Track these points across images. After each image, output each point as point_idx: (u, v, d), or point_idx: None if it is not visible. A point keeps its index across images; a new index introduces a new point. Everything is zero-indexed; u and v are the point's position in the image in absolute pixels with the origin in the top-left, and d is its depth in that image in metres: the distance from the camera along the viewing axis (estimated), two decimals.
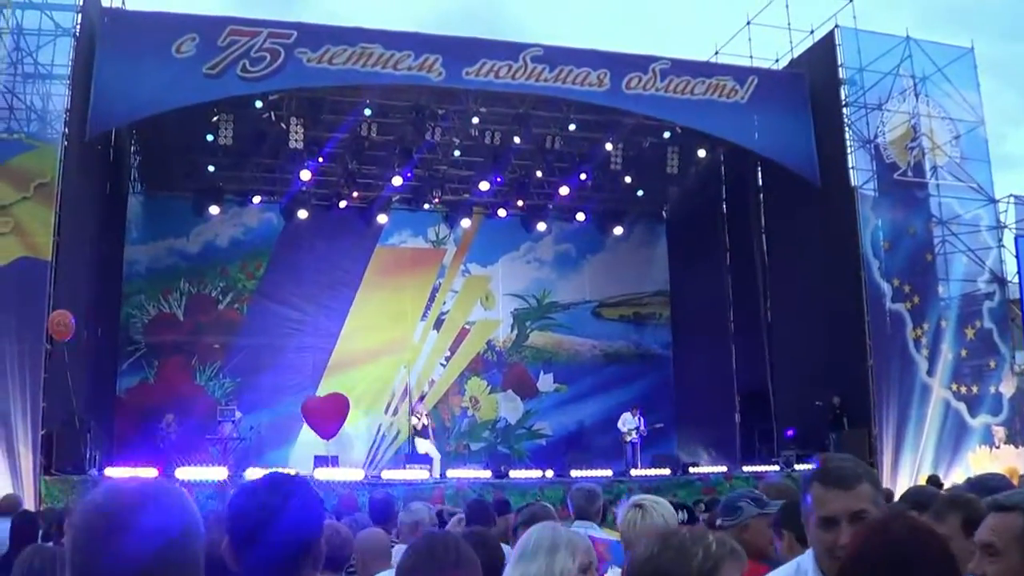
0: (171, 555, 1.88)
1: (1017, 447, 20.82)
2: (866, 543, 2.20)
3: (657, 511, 4.42)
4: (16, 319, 15.91)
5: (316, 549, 2.77)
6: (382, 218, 26.13)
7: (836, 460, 3.26)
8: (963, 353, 21.31)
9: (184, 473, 16.99)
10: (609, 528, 7.34)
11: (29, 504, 14.11)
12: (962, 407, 21.03)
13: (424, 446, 21.55)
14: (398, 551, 5.74)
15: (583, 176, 25.17)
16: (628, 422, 22.60)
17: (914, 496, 5.93)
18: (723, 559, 2.74)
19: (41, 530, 8.62)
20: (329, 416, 21.45)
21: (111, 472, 17.14)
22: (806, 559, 3.29)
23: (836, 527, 3.06)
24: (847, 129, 21.61)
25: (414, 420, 21.84)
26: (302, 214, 25.02)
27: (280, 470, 2.95)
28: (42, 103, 17.54)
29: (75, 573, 1.89)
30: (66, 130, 17.27)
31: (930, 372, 20.90)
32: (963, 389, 21.14)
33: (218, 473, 17.44)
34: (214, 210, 24.82)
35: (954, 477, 18.22)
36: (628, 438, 22.44)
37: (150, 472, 17.03)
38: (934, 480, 15.08)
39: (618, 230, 27.98)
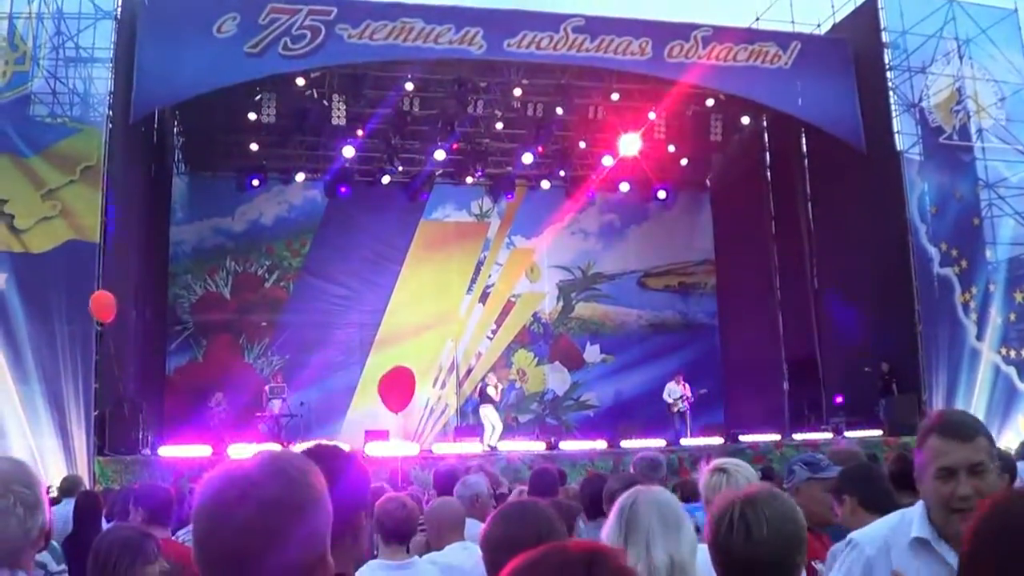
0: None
1: None
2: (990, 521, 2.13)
3: (741, 474, 4.38)
4: (67, 301, 16.01)
5: (357, 521, 2.76)
6: (425, 193, 26.16)
7: (954, 413, 3.28)
8: (1012, 317, 21.08)
9: (236, 450, 17.07)
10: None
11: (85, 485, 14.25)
12: (1012, 371, 20.83)
13: (491, 415, 21.29)
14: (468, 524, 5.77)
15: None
16: (673, 391, 22.49)
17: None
18: None
19: (104, 510, 8.70)
20: (397, 389, 21.46)
21: (164, 452, 17.29)
22: (913, 511, 3.27)
23: (954, 478, 3.05)
24: (891, 93, 21.38)
25: (491, 390, 21.64)
26: (346, 190, 25.07)
27: (323, 442, 2.92)
28: (85, 87, 17.60)
29: (199, 540, 1.90)
30: (110, 113, 17.38)
31: (979, 336, 20.71)
32: (1012, 353, 20.93)
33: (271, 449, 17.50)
34: (260, 187, 24.89)
35: (1006, 441, 18.08)
36: (675, 407, 22.33)
37: (205, 450, 17.26)
38: None
39: (663, 199, 27.83)
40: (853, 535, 3.35)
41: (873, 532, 3.32)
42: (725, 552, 2.82)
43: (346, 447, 2.94)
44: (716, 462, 4.55)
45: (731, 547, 2.79)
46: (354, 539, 2.75)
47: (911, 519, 3.21)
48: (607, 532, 3.57)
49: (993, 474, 3.08)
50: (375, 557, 5.46)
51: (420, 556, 5.66)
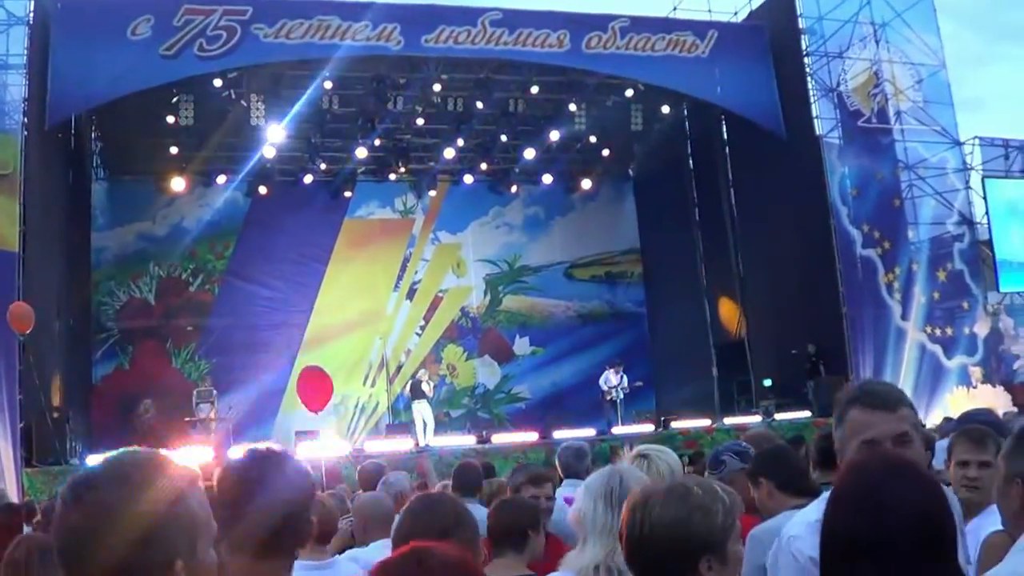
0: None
1: (994, 386, 20.95)
2: (845, 480, 2.20)
3: (662, 460, 4.38)
4: None
5: (300, 523, 2.75)
6: (348, 191, 26.08)
7: (875, 383, 3.20)
8: (936, 296, 21.44)
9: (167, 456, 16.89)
10: None
11: (13, 498, 14.05)
12: (938, 349, 21.18)
13: (424, 410, 21.22)
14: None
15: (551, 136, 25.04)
16: (610, 380, 22.60)
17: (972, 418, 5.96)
18: (737, 510, 2.77)
19: (27, 523, 8.57)
20: (312, 389, 21.39)
21: (92, 460, 17.04)
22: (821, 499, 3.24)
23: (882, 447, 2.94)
24: (809, 79, 21.64)
25: (424, 386, 21.57)
26: (267, 191, 24.95)
27: (260, 445, 2.91)
28: None
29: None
30: (25, 120, 17.07)
31: (904, 316, 21.03)
32: (938, 331, 21.28)
33: (203, 454, 17.38)
34: (181, 190, 24.64)
35: (933, 418, 18.33)
36: (610, 396, 22.44)
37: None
38: None
39: (586, 190, 27.95)
40: (787, 529, 3.27)
41: (803, 521, 3.26)
42: (624, 547, 2.79)
43: (279, 448, 2.93)
44: (638, 448, 4.56)
45: (626, 543, 2.76)
46: (296, 539, 2.74)
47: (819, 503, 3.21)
48: (591, 515, 3.58)
49: (917, 443, 3.03)
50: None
51: (342, 550, 5.69)
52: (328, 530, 5.35)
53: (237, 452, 2.87)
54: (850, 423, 3.03)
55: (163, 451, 2.00)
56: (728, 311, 25.30)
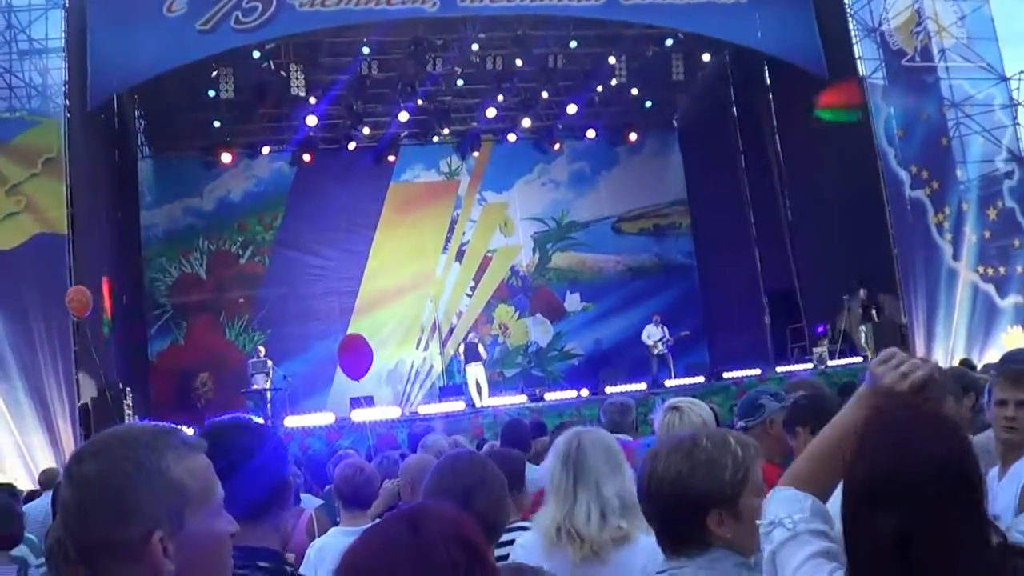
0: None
1: None
2: (868, 425, 2.20)
3: (695, 411, 4.41)
4: (40, 296, 15.93)
5: (282, 493, 2.79)
6: (392, 155, 26.11)
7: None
8: (987, 234, 21.10)
9: None
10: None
11: None
12: (991, 288, 20.87)
13: (479, 373, 21.35)
14: None
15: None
16: (652, 334, 22.57)
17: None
18: (751, 463, 2.75)
19: None
20: (352, 357, 21.49)
21: None
22: None
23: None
24: (851, 19, 21.32)
25: (480, 348, 21.70)
26: (312, 160, 25.03)
27: (234, 414, 2.93)
28: (41, 78, 17.48)
29: None
30: (67, 102, 17.19)
31: (955, 256, 20.74)
32: (990, 271, 20.96)
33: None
34: (226, 164, 24.82)
35: (988, 358, 18.13)
36: (655, 350, 22.43)
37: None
38: (967, 363, 14.99)
39: (630, 143, 27.82)
40: None
41: None
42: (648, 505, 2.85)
43: (258, 420, 2.95)
44: (670, 401, 4.59)
45: (651, 502, 2.82)
46: (278, 512, 2.76)
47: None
48: (551, 476, 3.64)
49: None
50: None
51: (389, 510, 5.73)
52: (366, 494, 5.38)
53: (291, 423, 2.89)
54: None
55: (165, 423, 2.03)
56: None
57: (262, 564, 2.61)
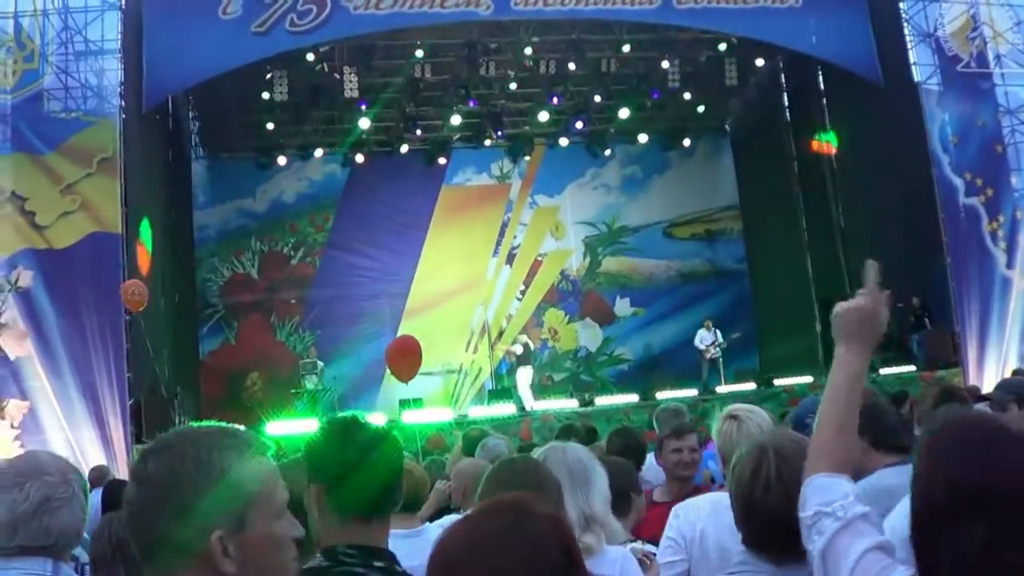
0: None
1: None
2: (945, 434, 2.18)
3: (753, 421, 4.37)
4: (94, 293, 16.08)
5: (395, 492, 2.79)
6: (444, 158, 26.18)
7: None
8: None
9: (274, 428, 17.18)
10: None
11: (123, 474, 14.37)
12: None
13: (523, 375, 21.38)
14: None
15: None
16: (705, 338, 22.52)
17: (1011, 387, 5.83)
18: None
19: None
20: (402, 359, 21.50)
21: None
22: None
23: None
24: (906, 24, 21.12)
25: (518, 347, 21.77)
26: (364, 162, 25.14)
27: (354, 413, 2.92)
28: (96, 79, 17.59)
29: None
30: (123, 103, 17.30)
31: (1009, 265, 20.49)
32: None
33: (308, 425, 17.60)
34: (279, 165, 25.02)
35: None
36: (708, 354, 22.36)
37: None
38: (1020, 372, 14.85)
39: (683, 148, 27.73)
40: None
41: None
42: (760, 512, 2.84)
43: (380, 418, 2.95)
44: (729, 409, 4.55)
45: (767, 508, 2.81)
46: (394, 509, 2.78)
47: None
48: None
49: None
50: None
51: (438, 511, 5.76)
52: (414, 497, 5.37)
53: (326, 422, 2.90)
54: None
55: (232, 424, 2.03)
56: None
57: (377, 564, 2.63)
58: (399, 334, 24.42)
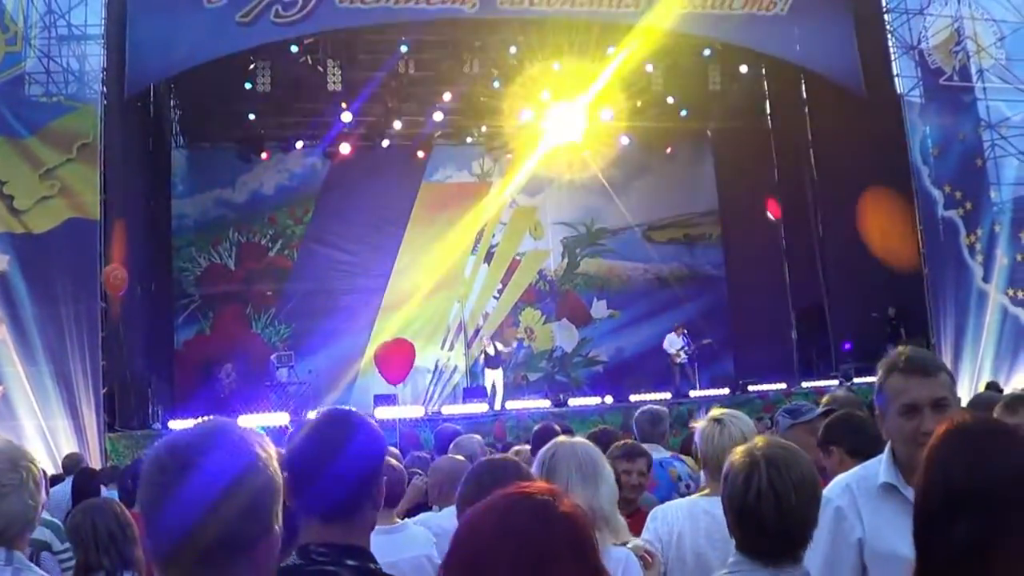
0: (234, 494, 1.88)
1: None
2: (942, 438, 2.20)
3: (735, 425, 4.40)
4: (71, 281, 16.04)
5: (377, 486, 2.75)
6: (424, 155, 26.12)
7: (915, 350, 3.32)
8: (1019, 258, 20.97)
9: (246, 420, 17.11)
10: (672, 450, 7.37)
11: (96, 463, 14.33)
12: (1020, 312, 20.73)
13: (491, 376, 21.53)
14: None
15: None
16: (674, 343, 22.58)
17: (983, 401, 5.86)
18: None
19: (108, 486, 8.72)
20: (395, 362, 21.48)
21: (175, 425, 17.31)
22: (878, 459, 3.36)
23: (919, 414, 3.11)
24: (890, 36, 21.26)
25: (488, 348, 21.91)
26: (345, 156, 25.06)
27: (338, 407, 2.91)
28: (79, 64, 17.59)
29: (145, 520, 1.91)
30: (104, 89, 17.29)
31: (986, 278, 20.62)
32: (1020, 294, 20.82)
33: (279, 418, 17.58)
34: (260, 156, 24.96)
35: (1015, 383, 18.05)
36: (677, 359, 22.43)
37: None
38: (994, 386, 14.89)
39: (664, 151, 27.74)
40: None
41: (841, 482, 3.41)
42: (753, 518, 2.87)
43: (354, 412, 2.93)
44: (712, 413, 4.59)
45: (760, 514, 2.86)
46: (374, 503, 2.75)
47: (876, 467, 3.29)
48: None
49: (955, 410, 3.15)
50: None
51: (414, 506, 5.75)
52: (394, 493, 5.36)
53: (313, 415, 2.89)
54: (889, 388, 3.22)
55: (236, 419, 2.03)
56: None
57: (350, 563, 2.60)
58: (376, 329, 24.45)
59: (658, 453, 6.44)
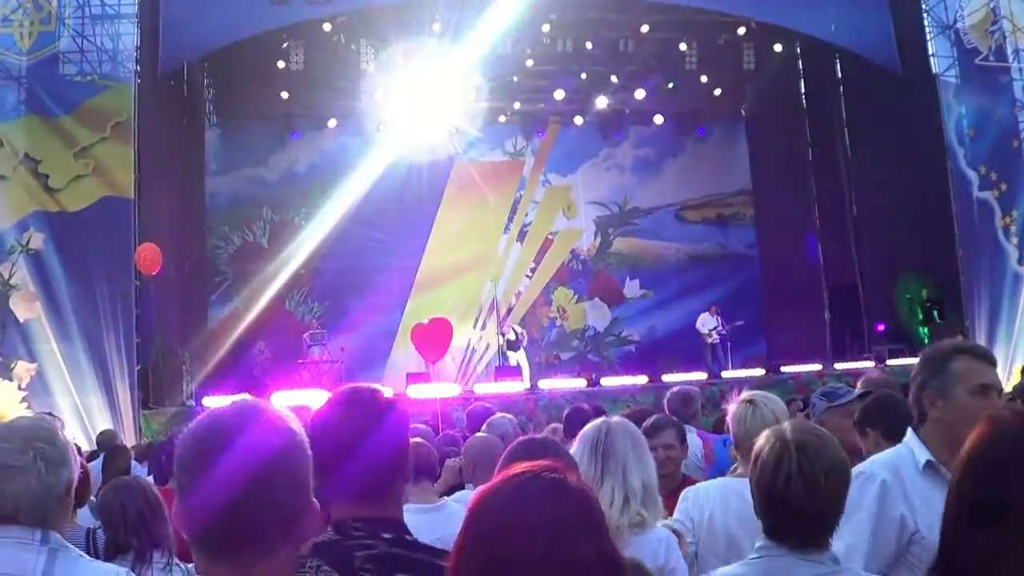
0: (279, 469, 1.91)
1: None
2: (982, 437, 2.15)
3: (768, 407, 4.40)
4: (105, 258, 16.16)
5: (404, 463, 2.77)
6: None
7: (975, 343, 3.49)
8: None
9: (278, 399, 17.17)
10: (704, 431, 7.38)
11: (130, 440, 14.43)
12: None
13: (515, 358, 21.66)
14: None
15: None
16: (707, 322, 22.50)
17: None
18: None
19: (141, 464, 8.78)
20: (435, 340, 21.47)
21: (208, 402, 17.37)
22: (909, 441, 3.45)
23: (989, 396, 3.21)
24: (926, 15, 21.05)
25: (509, 334, 22.00)
26: (377, 134, 25.03)
27: (360, 384, 2.91)
28: (112, 43, 17.55)
29: (186, 500, 1.91)
30: (138, 68, 17.35)
31: (1021, 260, 20.43)
32: None
33: (314, 396, 17.61)
34: (293, 135, 24.97)
35: None
36: (709, 339, 22.36)
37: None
38: None
39: (697, 131, 27.64)
40: (862, 466, 3.42)
41: (884, 459, 3.43)
42: (782, 503, 2.86)
43: (388, 391, 2.93)
44: (745, 394, 4.58)
45: (789, 499, 2.84)
46: (403, 479, 2.76)
47: (906, 450, 3.30)
48: (579, 463, 3.66)
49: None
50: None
51: (451, 488, 5.77)
52: (428, 467, 5.38)
53: (333, 394, 2.88)
54: (957, 370, 3.28)
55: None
56: None
57: (386, 535, 2.62)
58: (409, 307, 24.47)
59: (689, 434, 6.43)
